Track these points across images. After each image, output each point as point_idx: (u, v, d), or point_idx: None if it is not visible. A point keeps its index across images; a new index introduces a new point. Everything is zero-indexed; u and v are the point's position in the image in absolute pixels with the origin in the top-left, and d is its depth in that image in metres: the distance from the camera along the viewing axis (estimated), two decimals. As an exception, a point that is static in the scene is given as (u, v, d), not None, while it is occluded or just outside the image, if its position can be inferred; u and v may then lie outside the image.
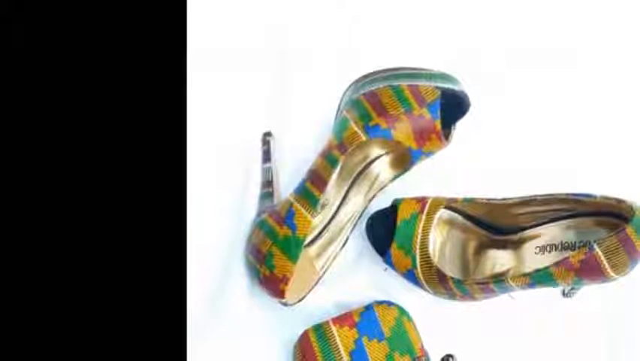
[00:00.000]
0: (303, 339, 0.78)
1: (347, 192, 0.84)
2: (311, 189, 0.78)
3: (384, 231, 0.80)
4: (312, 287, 0.82)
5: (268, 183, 0.84)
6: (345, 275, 0.83)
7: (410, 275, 0.79)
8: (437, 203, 0.79)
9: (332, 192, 0.83)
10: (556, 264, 0.73)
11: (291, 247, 0.77)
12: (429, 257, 0.77)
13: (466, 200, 0.79)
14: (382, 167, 0.84)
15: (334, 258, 0.83)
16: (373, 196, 0.83)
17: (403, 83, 0.78)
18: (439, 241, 0.81)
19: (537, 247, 0.80)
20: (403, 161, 0.81)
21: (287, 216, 0.78)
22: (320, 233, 0.84)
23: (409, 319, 0.78)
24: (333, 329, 0.78)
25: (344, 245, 0.83)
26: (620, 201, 0.73)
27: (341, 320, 0.78)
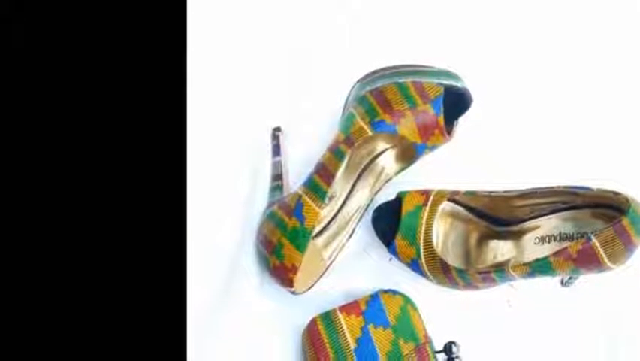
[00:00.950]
0: (312, 326, 0.79)
1: (354, 184, 0.84)
2: (319, 182, 0.79)
3: (390, 222, 0.80)
4: (320, 276, 0.82)
5: (278, 177, 0.85)
6: (351, 265, 0.84)
7: (414, 265, 0.79)
8: (440, 195, 0.79)
9: (339, 184, 0.84)
10: (555, 254, 0.73)
11: (300, 238, 0.78)
12: (432, 248, 0.78)
13: (468, 192, 0.80)
14: (387, 161, 0.84)
15: (341, 248, 0.83)
16: (379, 189, 0.84)
17: (408, 80, 0.79)
18: (442, 232, 0.82)
19: (537, 237, 0.80)
20: (408, 155, 0.82)
21: (296, 208, 0.79)
22: (328, 224, 0.84)
23: (414, 307, 0.79)
24: (340, 316, 0.78)
25: (351, 236, 0.84)
26: (616, 194, 0.74)
27: (348, 308, 0.78)
